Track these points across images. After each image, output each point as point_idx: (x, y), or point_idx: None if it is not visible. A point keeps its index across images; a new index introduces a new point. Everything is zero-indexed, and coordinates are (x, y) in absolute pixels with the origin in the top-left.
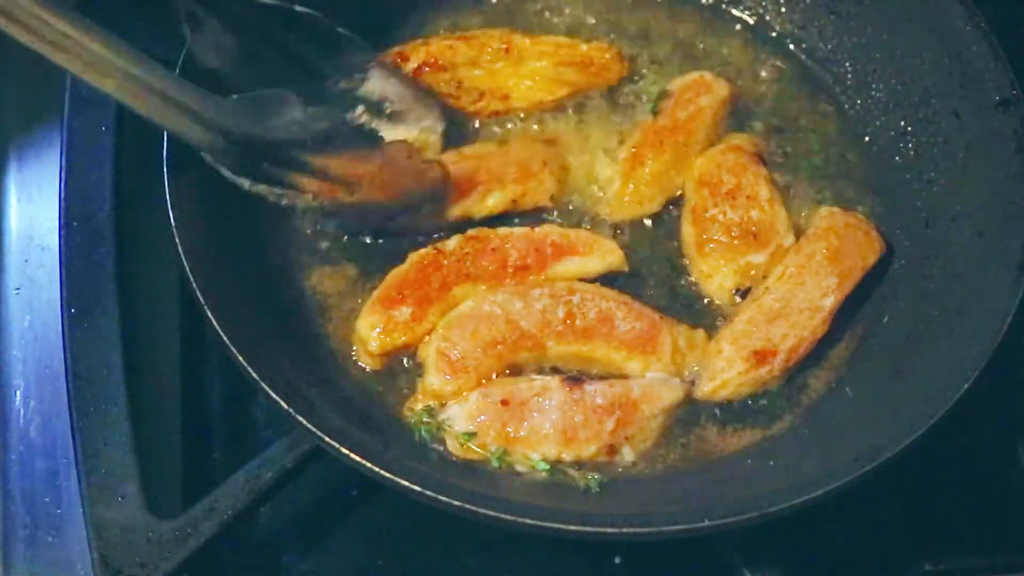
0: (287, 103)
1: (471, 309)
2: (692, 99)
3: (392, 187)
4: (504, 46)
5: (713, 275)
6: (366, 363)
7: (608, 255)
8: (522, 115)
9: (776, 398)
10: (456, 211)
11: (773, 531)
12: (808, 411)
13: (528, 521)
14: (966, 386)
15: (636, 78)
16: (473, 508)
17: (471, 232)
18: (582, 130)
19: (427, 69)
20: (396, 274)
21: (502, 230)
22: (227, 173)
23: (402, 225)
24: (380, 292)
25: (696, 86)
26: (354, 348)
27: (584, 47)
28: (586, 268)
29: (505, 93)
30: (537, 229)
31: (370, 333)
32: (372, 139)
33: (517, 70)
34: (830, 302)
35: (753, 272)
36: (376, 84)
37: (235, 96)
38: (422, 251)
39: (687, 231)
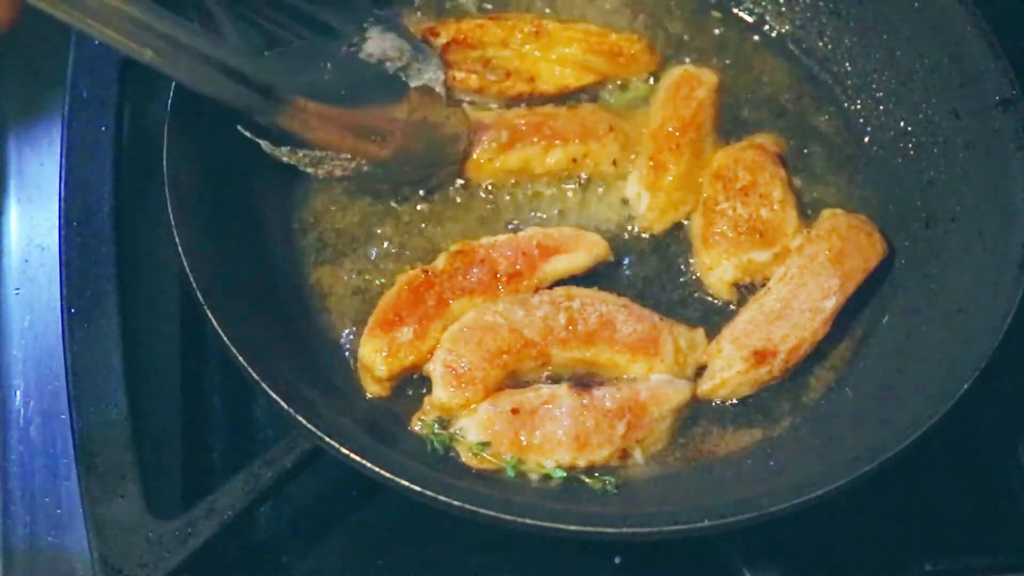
0: (316, 55)
1: (474, 321)
2: (689, 94)
3: (423, 135)
4: (534, 29)
5: (714, 267)
6: (374, 391)
7: (593, 247)
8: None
9: (776, 398)
10: (515, 161)
11: (773, 531)
12: (808, 411)
13: (528, 521)
14: (966, 386)
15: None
16: (473, 508)
17: (455, 248)
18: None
19: (455, 46)
20: (388, 297)
21: (485, 240)
22: (265, 146)
23: (446, 175)
24: (376, 318)
25: (687, 80)
26: (359, 379)
27: (614, 36)
28: (575, 264)
29: (532, 75)
30: (520, 234)
31: (375, 358)
32: (400, 84)
33: (546, 54)
34: (832, 304)
35: (754, 270)
36: (375, 44)
37: (267, 53)
38: (411, 272)
39: (696, 221)
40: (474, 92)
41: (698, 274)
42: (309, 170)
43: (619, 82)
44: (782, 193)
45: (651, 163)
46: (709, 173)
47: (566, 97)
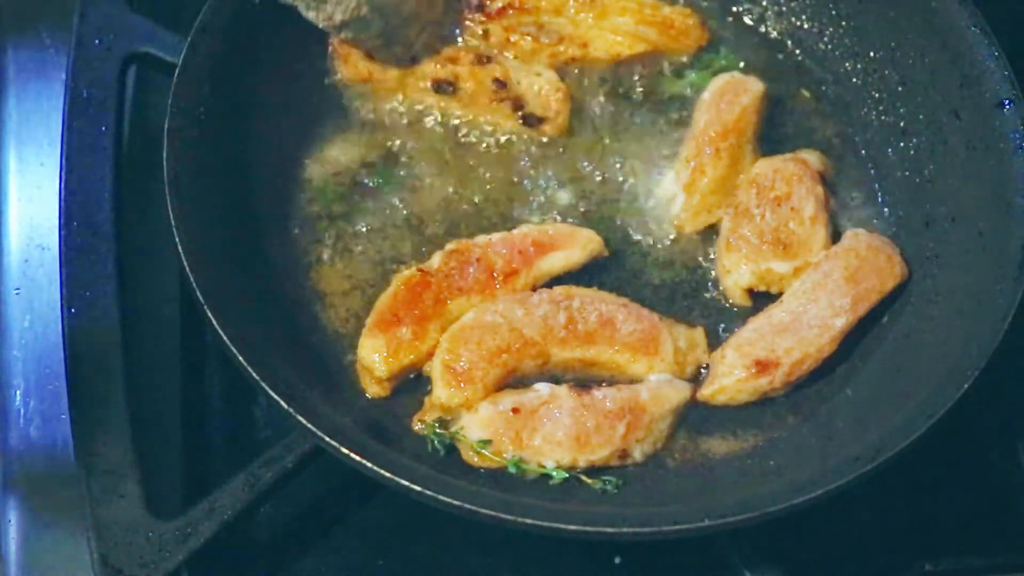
0: None
1: (474, 320)
2: (733, 100)
3: None
4: None
5: (731, 271)
6: (374, 392)
7: (588, 243)
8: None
9: (776, 398)
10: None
11: (773, 531)
12: (808, 411)
13: (528, 521)
14: (966, 386)
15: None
16: (473, 508)
17: (450, 247)
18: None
19: (511, 11)
20: (385, 298)
21: (480, 239)
22: None
23: (429, 37)
24: (373, 318)
25: (732, 87)
26: (359, 380)
27: (667, 10)
28: (570, 260)
29: (584, 41)
30: (515, 231)
31: (373, 358)
32: None
33: (599, 22)
34: (841, 322)
35: (772, 280)
36: None
37: None
38: (406, 272)
39: (724, 224)
40: (527, 55)
41: (717, 277)
42: (310, 14)
43: (672, 68)
44: (814, 210)
45: (689, 164)
46: (746, 179)
47: (618, 66)
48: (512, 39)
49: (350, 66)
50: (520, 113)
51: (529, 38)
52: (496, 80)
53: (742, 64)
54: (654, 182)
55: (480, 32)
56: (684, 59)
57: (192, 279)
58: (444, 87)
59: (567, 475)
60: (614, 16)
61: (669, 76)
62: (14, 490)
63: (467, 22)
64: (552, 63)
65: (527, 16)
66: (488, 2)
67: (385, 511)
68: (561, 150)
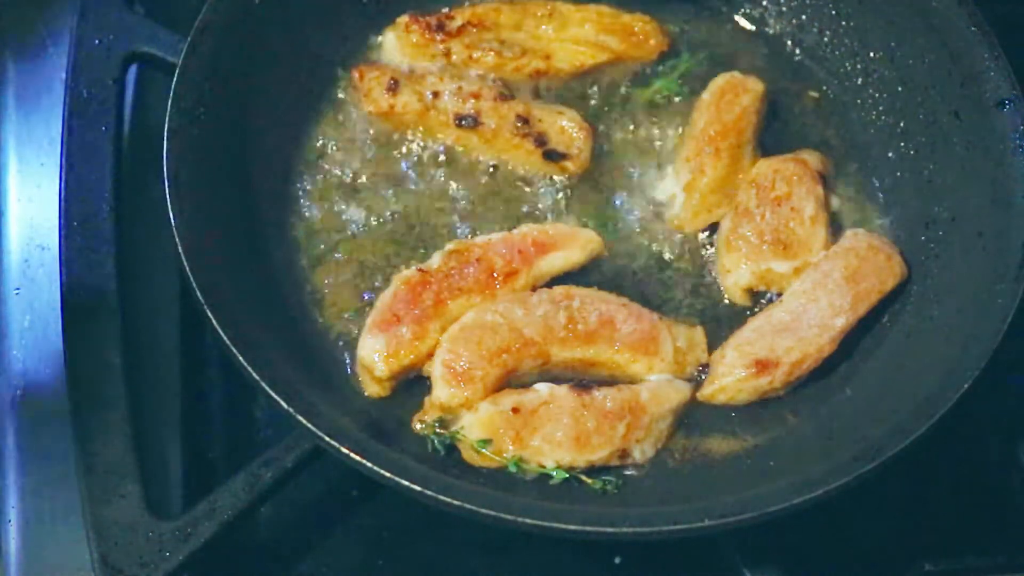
0: None
1: (473, 320)
2: (733, 100)
3: None
4: (547, 12)
5: (732, 271)
6: (374, 391)
7: (588, 243)
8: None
9: (776, 398)
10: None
11: (773, 531)
12: (808, 411)
13: (528, 521)
14: (966, 386)
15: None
16: (473, 508)
17: (450, 247)
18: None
19: (473, 29)
20: (385, 297)
21: (480, 239)
22: None
23: None
24: (374, 318)
25: (733, 87)
26: (359, 380)
27: (626, 17)
28: (570, 261)
29: (547, 53)
30: (515, 231)
31: (373, 358)
32: None
33: (560, 34)
34: (841, 322)
35: (772, 280)
36: None
37: None
38: (406, 272)
39: (724, 224)
40: (491, 70)
41: (717, 276)
42: None
43: (637, 73)
44: (814, 210)
45: (689, 164)
46: (746, 179)
47: (583, 76)
48: (475, 56)
49: (371, 100)
50: (543, 149)
51: (492, 54)
52: (519, 116)
53: (740, 63)
54: (651, 184)
55: (442, 51)
56: (647, 66)
57: (192, 279)
58: (466, 122)
59: (567, 475)
60: (574, 27)
61: (637, 86)
62: (14, 490)
63: (428, 42)
64: (516, 77)
65: (487, 33)
66: (447, 21)
67: (385, 511)
68: None
